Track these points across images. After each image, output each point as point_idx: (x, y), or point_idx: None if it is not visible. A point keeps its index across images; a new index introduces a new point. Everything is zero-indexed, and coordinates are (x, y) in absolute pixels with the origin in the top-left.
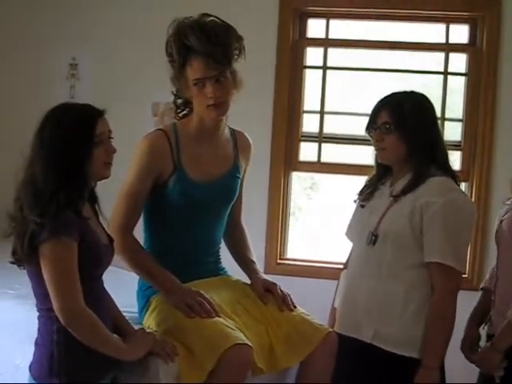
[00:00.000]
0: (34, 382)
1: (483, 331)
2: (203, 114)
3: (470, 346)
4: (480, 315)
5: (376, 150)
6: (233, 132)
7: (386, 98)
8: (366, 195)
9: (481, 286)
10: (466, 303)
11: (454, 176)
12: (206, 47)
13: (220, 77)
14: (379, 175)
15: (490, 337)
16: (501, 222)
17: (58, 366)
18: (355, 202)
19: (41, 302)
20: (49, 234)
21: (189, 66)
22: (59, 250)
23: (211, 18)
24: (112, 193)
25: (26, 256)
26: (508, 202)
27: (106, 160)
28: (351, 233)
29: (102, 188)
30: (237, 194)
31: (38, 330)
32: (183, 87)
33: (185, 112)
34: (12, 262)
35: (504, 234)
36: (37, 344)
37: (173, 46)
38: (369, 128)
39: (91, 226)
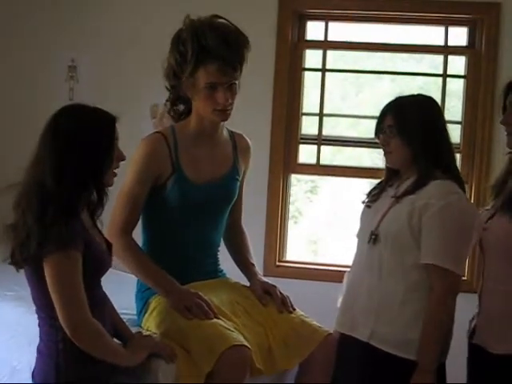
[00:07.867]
0: None
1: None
2: (206, 116)
3: None
4: None
5: (384, 153)
6: (232, 134)
7: (391, 101)
8: (373, 196)
9: None
10: (466, 306)
11: (458, 180)
12: (224, 52)
13: (232, 83)
14: (388, 177)
15: (475, 347)
16: (484, 229)
17: (64, 375)
18: (363, 202)
19: (42, 310)
20: (55, 247)
21: (203, 67)
22: (65, 263)
23: (225, 21)
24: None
25: (28, 264)
26: (488, 208)
27: (114, 167)
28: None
29: None
30: (236, 195)
31: (40, 337)
32: (189, 87)
33: (182, 113)
34: (11, 263)
35: (490, 244)
36: (39, 352)
37: (188, 45)
38: (376, 132)
39: (91, 233)
